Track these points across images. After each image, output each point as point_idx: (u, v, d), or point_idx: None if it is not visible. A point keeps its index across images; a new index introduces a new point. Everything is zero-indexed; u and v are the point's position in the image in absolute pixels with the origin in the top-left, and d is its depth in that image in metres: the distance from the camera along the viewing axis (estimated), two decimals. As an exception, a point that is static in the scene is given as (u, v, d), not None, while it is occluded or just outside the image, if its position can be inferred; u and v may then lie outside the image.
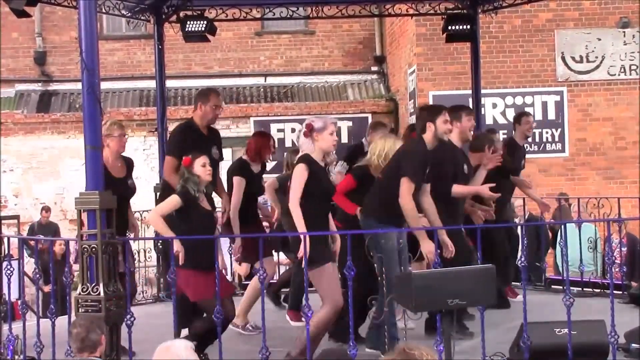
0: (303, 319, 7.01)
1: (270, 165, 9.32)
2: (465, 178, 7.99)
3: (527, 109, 15.92)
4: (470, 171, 8.12)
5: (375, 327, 7.30)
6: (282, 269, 10.56)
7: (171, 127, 12.44)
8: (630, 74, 15.99)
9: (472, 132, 8.26)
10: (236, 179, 8.24)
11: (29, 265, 10.52)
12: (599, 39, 16.02)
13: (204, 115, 8.00)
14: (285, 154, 9.45)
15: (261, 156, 8.45)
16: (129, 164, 7.90)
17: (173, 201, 7.01)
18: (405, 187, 7.03)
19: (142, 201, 10.10)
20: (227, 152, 7.41)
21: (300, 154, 6.91)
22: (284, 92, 18.87)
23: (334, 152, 7.06)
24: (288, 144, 16.68)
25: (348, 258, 6.54)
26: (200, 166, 7.10)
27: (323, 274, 6.71)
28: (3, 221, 8.40)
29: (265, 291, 7.34)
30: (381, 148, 7.57)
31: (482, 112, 13.70)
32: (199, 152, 7.26)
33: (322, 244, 6.73)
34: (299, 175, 6.67)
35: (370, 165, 7.67)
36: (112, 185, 6.91)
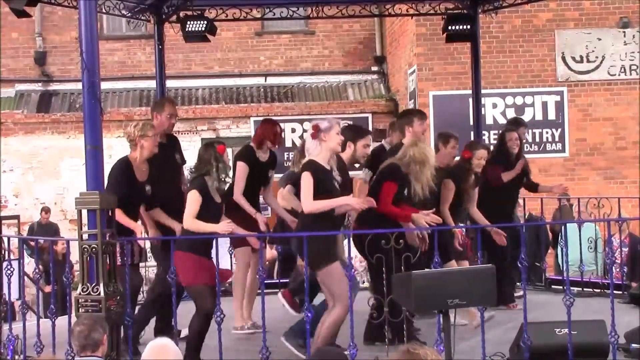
0: (299, 311, 7.08)
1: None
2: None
3: (527, 109, 15.94)
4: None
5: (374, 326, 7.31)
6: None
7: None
8: (631, 74, 15.98)
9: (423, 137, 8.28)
10: (239, 164, 8.22)
11: (29, 265, 10.52)
12: (599, 39, 16.02)
13: (159, 124, 7.94)
14: (294, 151, 9.51)
15: (266, 142, 8.33)
16: (152, 168, 7.75)
17: (195, 198, 7.03)
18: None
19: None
20: (228, 153, 7.40)
21: (306, 158, 6.90)
22: (284, 92, 18.87)
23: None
24: (288, 143, 16.68)
25: (348, 258, 6.55)
26: (227, 156, 7.28)
27: (331, 274, 6.71)
28: (3, 221, 8.41)
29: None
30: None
31: (483, 112, 13.72)
32: (160, 160, 7.47)
33: (328, 244, 6.73)
34: (307, 183, 6.68)
35: (402, 164, 7.62)
36: (134, 188, 6.91)
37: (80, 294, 6.37)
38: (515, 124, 10.39)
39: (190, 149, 18.89)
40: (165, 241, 7.43)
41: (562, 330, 6.67)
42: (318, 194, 6.68)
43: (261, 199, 8.54)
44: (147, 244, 8.32)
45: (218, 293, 6.75)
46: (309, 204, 6.67)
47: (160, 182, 7.70)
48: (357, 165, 7.73)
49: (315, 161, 6.80)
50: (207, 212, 7.03)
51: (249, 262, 8.29)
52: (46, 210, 16.45)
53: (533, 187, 10.16)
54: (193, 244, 6.92)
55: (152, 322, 7.85)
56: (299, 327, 7.02)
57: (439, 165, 8.06)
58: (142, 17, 10.87)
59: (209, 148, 7.24)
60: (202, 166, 7.17)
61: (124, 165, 7.46)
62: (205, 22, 10.33)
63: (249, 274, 8.36)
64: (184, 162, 8.30)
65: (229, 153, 7.56)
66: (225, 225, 6.95)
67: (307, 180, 6.68)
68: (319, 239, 6.61)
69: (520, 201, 10.98)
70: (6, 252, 7.66)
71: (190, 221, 7.00)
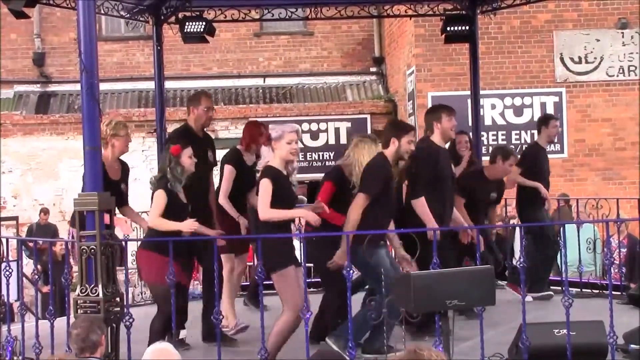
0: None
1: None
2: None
3: (525, 110, 15.95)
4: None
5: (374, 329, 7.30)
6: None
7: (170, 128, 12.42)
8: (629, 75, 15.99)
9: (453, 132, 8.28)
10: (227, 167, 8.27)
11: (28, 266, 10.52)
12: (598, 40, 16.03)
13: (197, 118, 8.10)
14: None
15: (254, 145, 8.39)
16: (125, 167, 7.87)
17: (161, 197, 7.12)
18: (359, 201, 7.21)
19: (143, 202, 10.08)
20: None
21: (263, 162, 7.02)
22: (283, 93, 18.87)
23: (295, 161, 7.10)
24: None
25: (348, 257, 6.55)
26: (188, 157, 7.27)
27: (284, 279, 6.71)
28: (2, 222, 8.42)
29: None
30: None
31: (481, 113, 13.71)
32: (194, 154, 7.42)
33: (284, 247, 6.73)
34: (266, 190, 6.73)
35: (344, 165, 7.80)
36: (107, 187, 6.92)
37: (78, 295, 6.37)
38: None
39: (189, 150, 18.91)
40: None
41: (561, 331, 6.67)
42: (276, 200, 6.72)
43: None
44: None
45: (217, 294, 6.74)
46: (267, 212, 6.70)
47: (188, 178, 7.77)
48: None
49: (273, 167, 6.87)
50: (174, 212, 7.11)
51: (233, 267, 8.37)
52: (45, 211, 16.43)
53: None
54: (158, 244, 6.96)
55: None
56: (345, 329, 7.01)
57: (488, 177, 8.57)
58: (141, 18, 10.87)
59: (166, 150, 7.38)
60: (160, 168, 7.32)
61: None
62: (204, 23, 10.33)
63: (232, 278, 8.43)
64: (215, 162, 8.34)
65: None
66: (190, 223, 7.03)
67: (265, 187, 6.72)
68: (276, 243, 6.67)
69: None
70: (5, 253, 7.66)
71: (156, 220, 7.07)
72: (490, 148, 10.22)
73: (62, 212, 17.23)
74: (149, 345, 6.69)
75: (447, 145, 8.64)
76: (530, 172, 9.68)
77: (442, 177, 7.92)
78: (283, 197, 6.75)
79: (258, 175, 7.16)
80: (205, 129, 8.34)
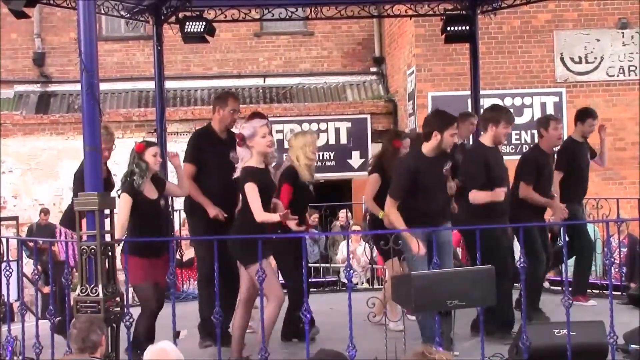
0: None
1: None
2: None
3: (525, 110, 15.95)
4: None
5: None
6: None
7: (170, 128, 12.46)
8: (629, 75, 15.99)
9: (504, 139, 8.16)
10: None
11: (28, 266, 10.51)
12: (598, 40, 16.02)
13: (222, 119, 8.06)
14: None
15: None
16: (109, 171, 7.96)
17: (125, 201, 7.20)
18: (388, 203, 7.29)
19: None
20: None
21: (240, 164, 7.02)
22: (283, 93, 18.87)
23: (274, 152, 7.16)
24: (287, 144, 16.65)
25: (347, 259, 6.55)
26: (152, 155, 7.33)
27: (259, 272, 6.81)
28: (2, 222, 8.42)
29: None
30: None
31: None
32: (215, 157, 7.51)
33: (255, 243, 6.71)
34: (253, 193, 6.85)
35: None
36: None
37: (79, 295, 6.37)
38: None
39: (189, 150, 18.93)
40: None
41: (561, 331, 6.67)
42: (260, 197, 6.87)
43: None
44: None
45: (217, 295, 6.74)
46: (261, 215, 6.83)
47: (211, 178, 7.83)
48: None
49: (252, 166, 6.96)
50: (142, 210, 7.19)
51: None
52: (45, 211, 16.42)
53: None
54: (133, 247, 7.04)
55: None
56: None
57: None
58: (141, 18, 10.87)
59: (132, 148, 7.42)
60: (128, 167, 7.36)
61: (81, 169, 7.61)
62: (204, 23, 10.33)
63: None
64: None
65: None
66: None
67: (252, 190, 6.85)
68: (244, 240, 6.78)
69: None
70: (5, 253, 7.66)
71: (119, 227, 7.05)
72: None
73: (62, 212, 17.21)
74: (129, 345, 6.78)
75: None
76: (570, 170, 9.49)
77: (492, 177, 7.80)
78: (264, 192, 6.92)
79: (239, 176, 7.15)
80: (229, 130, 8.20)
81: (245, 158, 7.02)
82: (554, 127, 8.90)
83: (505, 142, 9.30)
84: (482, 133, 8.06)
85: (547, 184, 8.75)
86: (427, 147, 7.34)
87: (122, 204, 7.18)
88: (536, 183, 8.53)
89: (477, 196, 7.61)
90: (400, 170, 7.40)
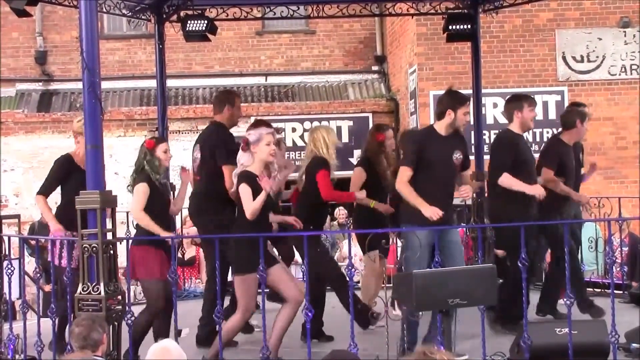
0: None
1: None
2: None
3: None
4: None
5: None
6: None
7: (172, 126, 12.42)
8: (631, 74, 15.98)
9: (532, 122, 8.30)
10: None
11: (30, 264, 10.52)
12: (600, 39, 16.02)
13: (230, 116, 8.21)
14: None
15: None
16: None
17: (143, 190, 7.20)
18: (400, 176, 7.26)
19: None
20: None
21: (239, 168, 7.06)
22: (285, 91, 18.86)
23: (275, 162, 7.19)
24: (289, 143, 16.66)
25: (348, 257, 6.56)
26: (162, 152, 7.39)
27: (246, 284, 6.93)
28: (4, 220, 8.43)
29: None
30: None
31: (483, 112, 13.71)
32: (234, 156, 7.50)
33: (252, 252, 6.67)
34: (247, 194, 6.89)
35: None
36: (82, 178, 6.90)
37: (80, 293, 6.37)
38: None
39: (191, 149, 18.91)
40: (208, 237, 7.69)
41: (563, 330, 6.67)
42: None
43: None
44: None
45: (218, 299, 6.74)
46: (252, 208, 6.85)
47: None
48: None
49: (249, 171, 7.00)
50: (156, 204, 7.24)
51: None
52: (47, 209, 16.42)
53: None
54: (148, 236, 7.14)
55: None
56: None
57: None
58: (143, 17, 10.86)
59: (141, 145, 7.47)
60: (137, 162, 7.40)
61: (63, 160, 8.06)
62: (206, 21, 10.33)
63: None
64: None
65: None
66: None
67: (245, 191, 6.88)
68: (247, 246, 6.76)
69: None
70: (7, 251, 7.67)
71: (139, 214, 7.14)
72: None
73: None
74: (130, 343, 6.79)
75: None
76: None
77: (524, 161, 7.94)
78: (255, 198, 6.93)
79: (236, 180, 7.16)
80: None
81: (246, 163, 7.03)
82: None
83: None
84: (510, 124, 8.24)
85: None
86: (439, 125, 7.39)
87: (141, 193, 7.17)
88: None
89: (511, 182, 7.70)
90: (409, 141, 7.61)
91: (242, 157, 7.06)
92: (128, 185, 7.44)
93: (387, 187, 8.43)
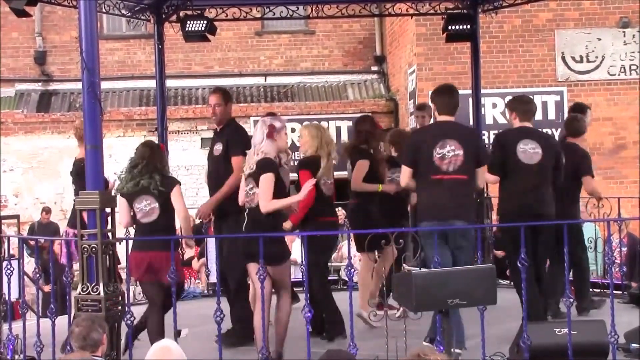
0: None
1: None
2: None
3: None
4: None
5: None
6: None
7: (171, 126, 12.43)
8: (631, 74, 15.99)
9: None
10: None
11: (29, 265, 10.52)
12: (599, 39, 16.02)
13: (229, 114, 8.59)
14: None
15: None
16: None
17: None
18: (403, 174, 7.39)
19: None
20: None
21: (259, 156, 6.92)
22: (284, 91, 18.87)
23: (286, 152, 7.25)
24: (288, 143, 16.64)
25: (348, 257, 6.56)
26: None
27: (287, 269, 7.11)
28: (3, 221, 8.42)
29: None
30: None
31: (482, 112, 13.72)
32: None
33: (282, 244, 6.97)
34: (269, 184, 6.81)
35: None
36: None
37: (80, 293, 6.37)
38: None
39: (190, 149, 18.99)
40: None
41: (562, 330, 6.67)
42: (277, 192, 6.87)
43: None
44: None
45: (218, 294, 6.74)
46: (269, 204, 6.80)
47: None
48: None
49: (271, 159, 6.95)
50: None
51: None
52: (46, 210, 16.45)
53: None
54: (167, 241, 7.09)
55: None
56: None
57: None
58: (142, 17, 10.87)
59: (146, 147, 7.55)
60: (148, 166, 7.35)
61: (76, 166, 7.78)
62: (205, 21, 10.33)
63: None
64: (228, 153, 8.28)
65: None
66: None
67: (269, 181, 6.81)
68: (276, 239, 6.84)
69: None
70: (6, 252, 7.67)
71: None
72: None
73: (64, 210, 17.23)
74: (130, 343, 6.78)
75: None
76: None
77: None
78: (281, 187, 6.93)
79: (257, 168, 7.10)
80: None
81: (266, 150, 6.94)
82: None
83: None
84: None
85: None
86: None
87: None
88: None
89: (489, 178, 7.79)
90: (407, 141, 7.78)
91: (266, 145, 6.94)
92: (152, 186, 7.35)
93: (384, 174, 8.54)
